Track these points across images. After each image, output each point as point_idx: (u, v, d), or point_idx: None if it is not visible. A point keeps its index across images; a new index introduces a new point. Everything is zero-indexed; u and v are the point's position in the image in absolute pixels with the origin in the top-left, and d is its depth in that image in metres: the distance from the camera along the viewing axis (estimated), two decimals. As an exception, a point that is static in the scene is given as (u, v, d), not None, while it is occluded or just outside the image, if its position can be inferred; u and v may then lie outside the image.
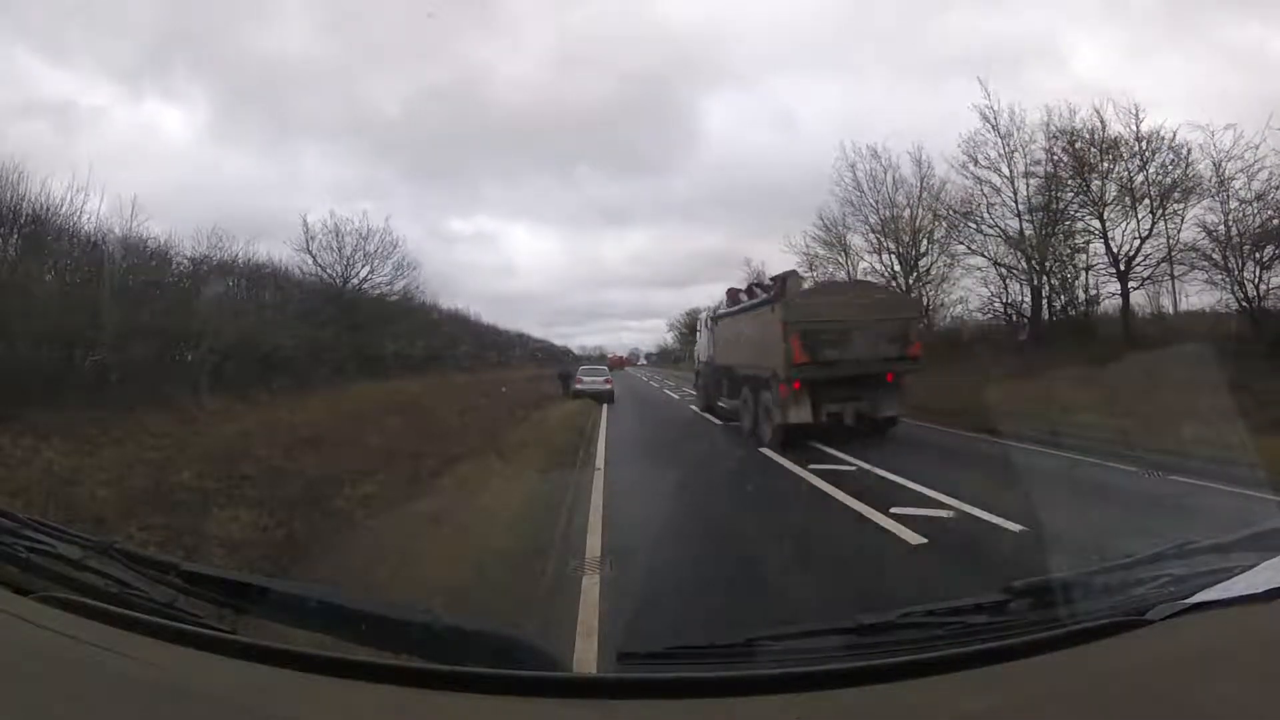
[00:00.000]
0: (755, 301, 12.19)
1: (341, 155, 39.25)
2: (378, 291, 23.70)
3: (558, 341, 44.70)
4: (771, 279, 13.04)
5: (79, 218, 12.82)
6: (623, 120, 48.75)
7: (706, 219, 52.23)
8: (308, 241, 22.26)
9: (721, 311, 14.64)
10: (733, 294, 14.48)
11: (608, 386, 22.48)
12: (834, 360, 9.92)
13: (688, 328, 38.68)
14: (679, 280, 61.93)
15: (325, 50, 38.31)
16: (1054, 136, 19.01)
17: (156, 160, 27.47)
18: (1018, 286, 20.92)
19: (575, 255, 49.68)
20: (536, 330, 42.93)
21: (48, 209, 12.38)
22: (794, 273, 12.60)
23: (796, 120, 45.22)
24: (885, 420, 10.54)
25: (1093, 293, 19.59)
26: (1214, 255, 16.29)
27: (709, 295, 56.93)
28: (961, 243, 21.46)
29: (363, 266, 23.25)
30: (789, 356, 9.82)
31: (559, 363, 32.11)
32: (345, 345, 19.59)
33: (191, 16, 32.21)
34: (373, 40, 40.51)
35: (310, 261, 22.35)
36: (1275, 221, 15.42)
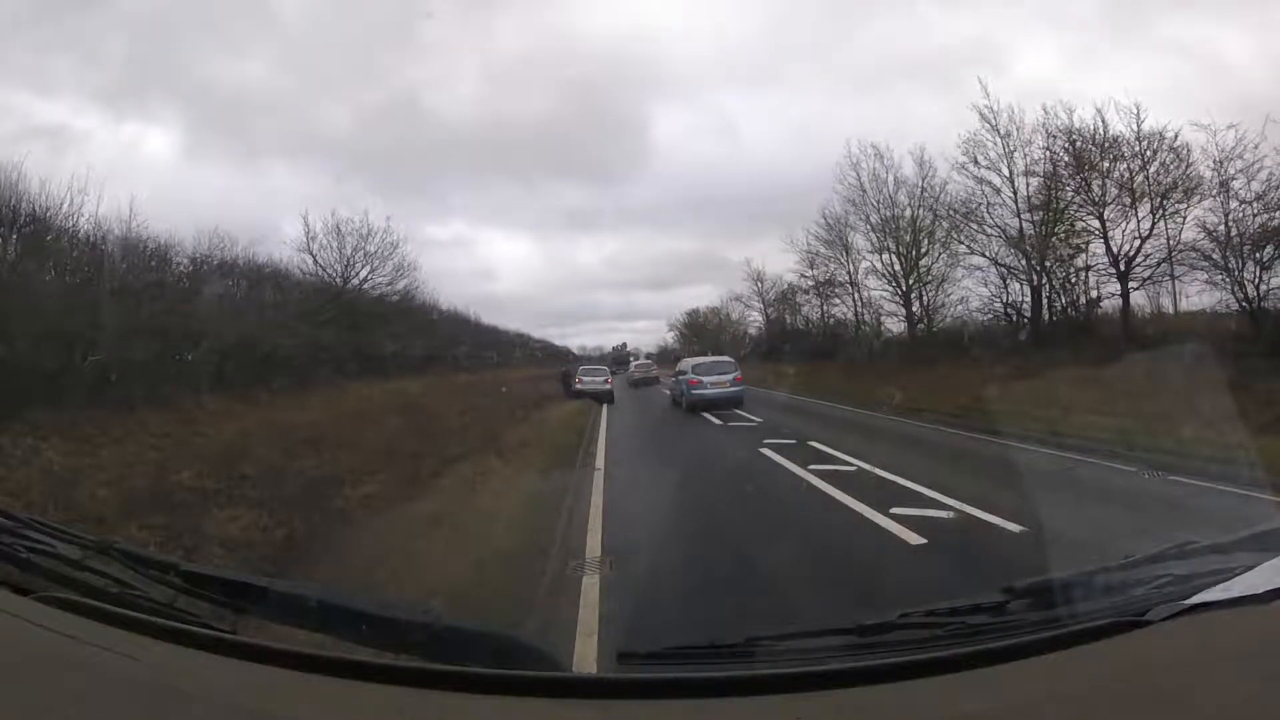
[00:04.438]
0: (612, 349, 41.96)
1: (314, 171, 41.61)
2: (378, 292, 23.63)
3: (557, 342, 44.89)
4: (616, 345, 40.60)
5: (78, 218, 12.82)
6: (578, 132, 49.64)
7: (675, 224, 54.00)
8: (308, 241, 22.17)
9: (611, 348, 41.14)
10: (615, 346, 40.82)
11: (608, 386, 22.47)
12: (617, 363, 35.00)
13: (688, 328, 41.28)
14: (659, 283, 62.72)
15: (287, 78, 39.41)
16: (1053, 135, 19.03)
17: (144, 177, 27.97)
18: (1018, 286, 20.93)
19: (554, 259, 50.61)
20: (532, 332, 43.28)
21: (47, 209, 12.39)
22: (620, 344, 40.72)
23: (749, 130, 46.50)
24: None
25: (1093, 293, 19.60)
26: (1214, 255, 16.28)
27: (693, 297, 59.37)
28: (962, 242, 21.53)
29: (363, 267, 23.19)
30: (613, 362, 34.61)
31: (560, 363, 33.34)
32: (345, 345, 19.51)
33: (165, 51, 33.27)
34: (328, 68, 41.96)
35: (311, 261, 22.27)
36: (1275, 221, 15.41)
